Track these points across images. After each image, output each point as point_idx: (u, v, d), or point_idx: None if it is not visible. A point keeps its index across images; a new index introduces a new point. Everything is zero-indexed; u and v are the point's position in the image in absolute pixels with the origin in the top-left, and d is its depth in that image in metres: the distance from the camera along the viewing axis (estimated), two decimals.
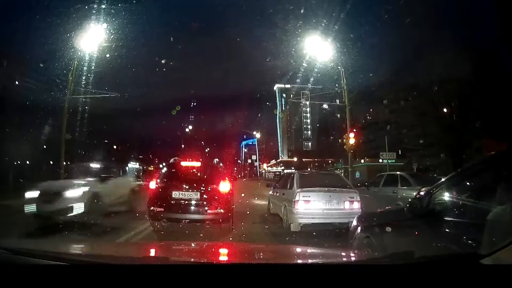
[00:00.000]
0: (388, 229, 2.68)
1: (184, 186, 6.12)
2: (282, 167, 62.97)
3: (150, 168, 50.32)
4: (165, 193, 6.10)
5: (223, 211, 6.01)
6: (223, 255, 2.35)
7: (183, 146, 62.35)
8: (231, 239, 5.67)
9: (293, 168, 58.74)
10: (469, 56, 24.45)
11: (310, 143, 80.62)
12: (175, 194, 6.06)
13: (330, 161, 65.41)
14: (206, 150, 75.53)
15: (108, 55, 17.22)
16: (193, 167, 7.06)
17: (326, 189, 6.62)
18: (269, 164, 79.04)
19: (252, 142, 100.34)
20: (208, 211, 5.96)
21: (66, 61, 16.37)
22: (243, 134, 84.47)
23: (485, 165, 2.54)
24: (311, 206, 6.37)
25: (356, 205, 6.43)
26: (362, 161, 36.78)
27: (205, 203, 6.02)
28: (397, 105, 48.56)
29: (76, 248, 2.14)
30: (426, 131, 42.14)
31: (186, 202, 6.02)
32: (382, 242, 2.72)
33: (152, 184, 6.47)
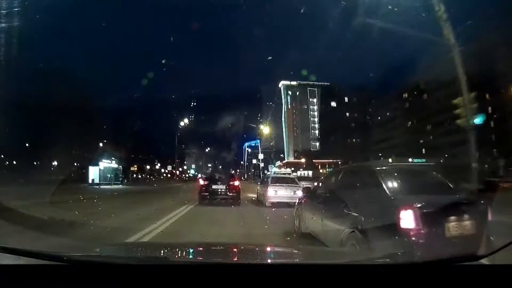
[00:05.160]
0: (300, 201, 6.34)
1: (218, 182, 12.55)
2: (292, 169, 59.95)
3: (133, 168, 43.82)
4: (208, 186, 12.38)
5: (236, 195, 12.47)
6: (223, 255, 2.43)
7: (183, 146, 59.69)
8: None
9: (301, 169, 55.70)
10: None
11: (318, 143, 77.16)
12: (214, 186, 12.34)
13: (339, 162, 61.58)
14: (206, 150, 73.26)
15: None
16: (220, 174, 14.08)
17: (285, 185, 12.61)
18: (276, 165, 76.10)
19: (255, 143, 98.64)
20: (229, 194, 12.31)
21: None
22: (245, 135, 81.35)
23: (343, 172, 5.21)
24: (275, 193, 12.23)
25: (300, 193, 9.58)
26: (390, 160, 33.22)
27: (228, 190, 12.34)
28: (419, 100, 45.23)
29: (76, 248, 2.21)
30: (455, 128, 38.31)
31: (219, 189, 12.30)
32: (301, 208, 5.98)
33: (201, 182, 13.31)
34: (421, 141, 45.19)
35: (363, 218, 3.41)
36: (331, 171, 19.54)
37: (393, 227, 2.99)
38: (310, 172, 41.30)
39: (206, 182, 12.50)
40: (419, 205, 3.02)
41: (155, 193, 21.74)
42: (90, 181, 27.54)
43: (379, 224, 3.17)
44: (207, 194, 11.99)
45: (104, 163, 30.63)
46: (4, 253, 1.52)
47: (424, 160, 31.93)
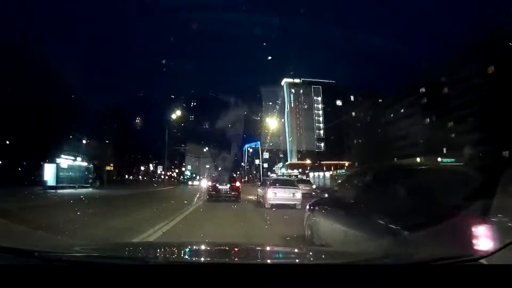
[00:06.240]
0: (314, 207, 5.44)
1: (222, 183, 16.01)
2: (300, 170, 56.64)
3: (108, 168, 35.98)
4: (215, 186, 15.90)
5: (237, 193, 15.68)
6: (224, 255, 2.42)
7: (182, 145, 57.15)
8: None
9: (307, 171, 52.93)
10: None
11: (323, 144, 73.69)
12: (219, 186, 15.74)
13: (346, 165, 58.54)
14: (205, 150, 70.92)
15: None
16: (224, 176, 17.48)
17: (283, 187, 13.26)
18: (281, 167, 72.89)
19: (255, 145, 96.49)
20: (231, 193, 15.53)
21: None
22: (246, 135, 78.15)
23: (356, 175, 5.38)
24: (275, 195, 12.72)
25: (298, 195, 12.76)
26: (418, 160, 29.70)
27: (230, 189, 15.64)
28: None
29: (77, 248, 2.16)
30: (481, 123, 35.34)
31: (223, 189, 15.62)
32: (314, 216, 5.25)
33: (209, 183, 17.42)
34: (442, 139, 41.53)
35: (407, 232, 2.72)
36: (351, 173, 16.48)
37: (458, 245, 2.30)
38: (328, 174, 37.69)
39: (213, 183, 16.18)
40: (495, 218, 2.19)
41: (120, 202, 14.98)
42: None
43: (433, 240, 2.44)
44: (214, 192, 15.55)
45: (68, 160, 24.62)
46: (4, 252, 1.49)
47: (453, 159, 28.01)
